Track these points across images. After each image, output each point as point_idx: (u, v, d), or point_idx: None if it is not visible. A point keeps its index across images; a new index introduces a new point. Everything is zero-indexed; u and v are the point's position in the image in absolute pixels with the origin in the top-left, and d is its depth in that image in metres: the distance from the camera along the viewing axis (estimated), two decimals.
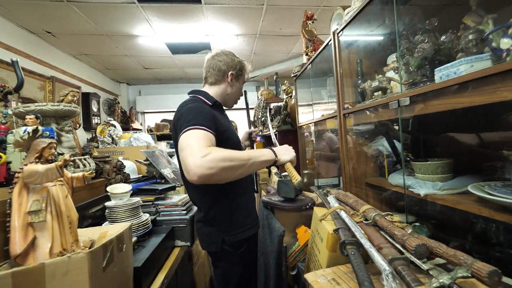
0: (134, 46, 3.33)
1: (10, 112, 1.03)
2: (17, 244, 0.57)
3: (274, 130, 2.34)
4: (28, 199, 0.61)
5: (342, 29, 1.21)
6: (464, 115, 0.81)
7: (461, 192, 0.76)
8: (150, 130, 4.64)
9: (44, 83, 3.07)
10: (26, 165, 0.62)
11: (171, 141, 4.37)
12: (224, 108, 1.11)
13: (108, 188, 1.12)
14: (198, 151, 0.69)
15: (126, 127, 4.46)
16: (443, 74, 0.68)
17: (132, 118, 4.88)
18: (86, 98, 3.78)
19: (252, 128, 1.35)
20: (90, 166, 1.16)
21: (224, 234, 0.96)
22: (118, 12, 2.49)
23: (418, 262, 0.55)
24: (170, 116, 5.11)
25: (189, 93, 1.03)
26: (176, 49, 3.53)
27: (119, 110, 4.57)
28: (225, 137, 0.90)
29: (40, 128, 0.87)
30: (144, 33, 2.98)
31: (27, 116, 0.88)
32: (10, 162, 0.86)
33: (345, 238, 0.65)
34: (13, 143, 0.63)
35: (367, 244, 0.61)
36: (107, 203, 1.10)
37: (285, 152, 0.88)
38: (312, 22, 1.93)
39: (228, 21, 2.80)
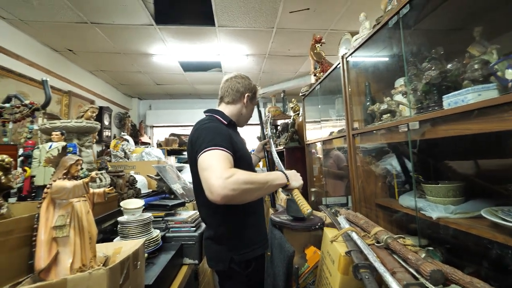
0: (148, 63, 3.49)
1: (36, 127, 1.09)
2: (42, 259, 0.59)
3: (282, 147, 2.36)
4: (54, 214, 0.64)
5: (350, 54, 1.26)
6: (474, 139, 0.83)
7: (474, 217, 0.76)
8: (159, 145, 4.63)
9: (61, 97, 3.22)
10: (54, 181, 0.66)
11: (180, 156, 4.38)
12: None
13: (121, 203, 1.13)
14: (222, 173, 0.73)
15: (135, 140, 4.57)
16: (451, 101, 0.70)
17: (141, 132, 4.99)
18: (99, 112, 3.90)
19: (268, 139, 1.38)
20: (106, 180, 1.19)
21: (232, 253, 0.96)
22: (137, 32, 2.65)
23: None
24: (179, 131, 5.20)
25: (205, 112, 1.08)
26: (188, 67, 3.68)
27: (129, 124, 4.71)
28: (238, 156, 0.94)
29: (60, 144, 0.92)
30: (159, 52, 3.14)
31: (53, 133, 0.94)
32: (34, 176, 0.90)
33: (358, 261, 0.65)
34: (45, 160, 0.67)
35: (381, 268, 0.61)
36: (120, 218, 1.11)
37: (295, 179, 0.91)
38: (320, 45, 2.02)
39: (239, 42, 2.94)
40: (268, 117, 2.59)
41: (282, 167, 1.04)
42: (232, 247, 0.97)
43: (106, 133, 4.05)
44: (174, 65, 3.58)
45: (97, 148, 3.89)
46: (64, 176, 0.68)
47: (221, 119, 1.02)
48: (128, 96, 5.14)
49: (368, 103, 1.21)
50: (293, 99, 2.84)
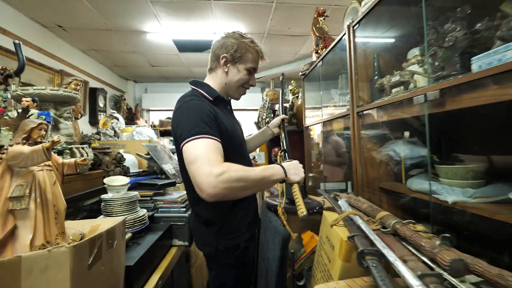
0: (142, 42, 3.31)
1: (9, 96, 0.99)
2: None
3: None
4: (11, 183, 0.55)
5: (359, 22, 1.13)
6: (498, 111, 0.72)
7: (498, 201, 0.67)
8: (153, 126, 4.60)
9: (53, 76, 3.08)
10: (11, 145, 0.56)
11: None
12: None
13: (105, 180, 1.08)
14: (211, 169, 0.65)
15: (131, 123, 4.46)
16: (483, 62, 0.59)
17: (138, 115, 4.90)
18: (93, 93, 3.79)
19: (284, 115, 1.21)
20: (87, 155, 1.10)
21: (219, 238, 0.91)
22: (128, 6, 2.47)
23: (454, 281, 0.46)
24: None
25: (190, 83, 0.93)
26: (183, 47, 3.49)
27: (125, 107, 4.59)
28: (226, 138, 0.81)
29: (35, 111, 0.82)
30: (152, 29, 2.97)
31: (23, 98, 0.83)
32: (2, 146, 0.81)
33: (364, 247, 0.56)
34: (0, 122, 0.57)
35: (390, 256, 0.53)
36: (103, 196, 1.06)
37: (295, 172, 0.81)
38: (324, 19, 1.85)
39: (236, 19, 2.76)
40: (266, 101, 2.48)
41: (288, 152, 0.95)
42: (218, 233, 0.91)
43: (102, 115, 3.94)
44: (168, 44, 3.40)
45: (92, 130, 3.78)
46: (24, 141, 0.59)
47: (206, 94, 0.87)
48: (123, 78, 4.98)
49: (376, 77, 1.09)
50: (292, 81, 2.69)
